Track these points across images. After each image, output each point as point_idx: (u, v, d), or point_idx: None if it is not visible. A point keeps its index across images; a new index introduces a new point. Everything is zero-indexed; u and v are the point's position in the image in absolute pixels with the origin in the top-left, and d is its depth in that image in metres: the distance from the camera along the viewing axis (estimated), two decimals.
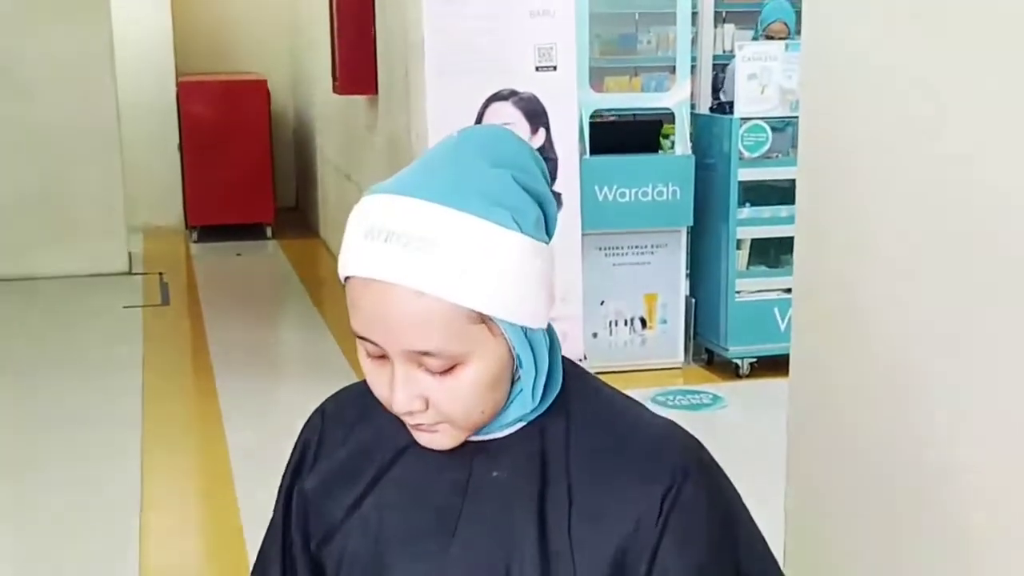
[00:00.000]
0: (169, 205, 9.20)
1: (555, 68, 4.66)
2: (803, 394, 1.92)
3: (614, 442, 1.07)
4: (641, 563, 1.02)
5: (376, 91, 6.00)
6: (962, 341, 1.48)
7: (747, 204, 5.21)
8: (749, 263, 5.35)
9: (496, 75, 4.58)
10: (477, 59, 4.54)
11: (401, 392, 1.00)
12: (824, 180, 1.82)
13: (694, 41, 5.40)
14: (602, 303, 5.29)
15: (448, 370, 0.99)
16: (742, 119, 5.07)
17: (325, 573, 1.15)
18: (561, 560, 1.03)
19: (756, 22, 5.98)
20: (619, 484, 1.04)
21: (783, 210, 5.04)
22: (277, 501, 1.20)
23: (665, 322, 5.39)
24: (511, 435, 1.08)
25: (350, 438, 1.16)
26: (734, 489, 1.11)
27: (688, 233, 5.35)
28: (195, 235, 8.91)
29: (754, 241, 5.31)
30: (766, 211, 5.20)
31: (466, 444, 1.06)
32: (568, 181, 4.74)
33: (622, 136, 5.36)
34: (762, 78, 5.05)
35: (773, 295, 5.22)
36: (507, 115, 4.58)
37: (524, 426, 1.08)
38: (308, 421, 1.21)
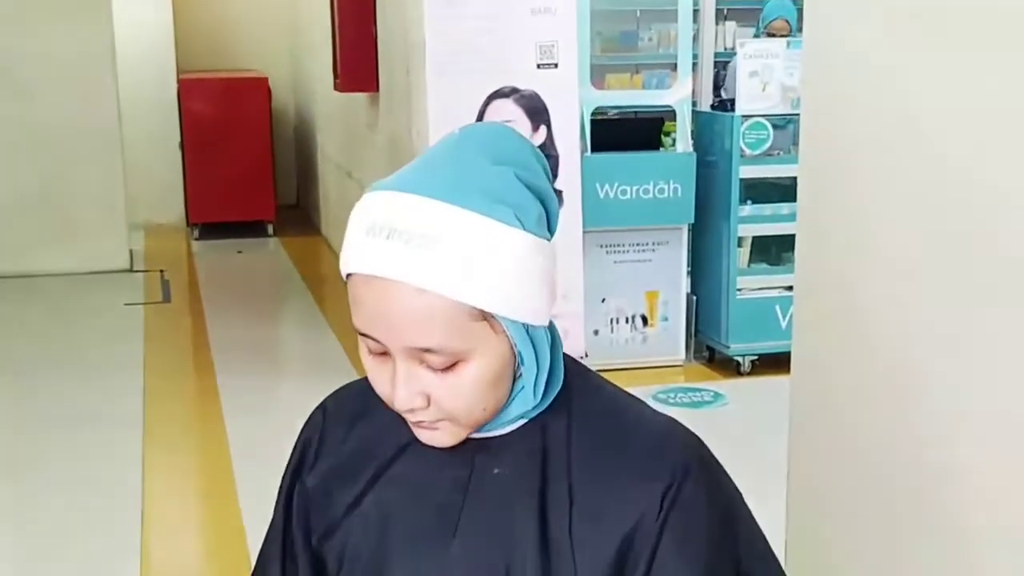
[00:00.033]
0: (170, 202, 9.20)
1: (556, 65, 4.66)
2: (804, 392, 1.92)
3: (615, 439, 1.07)
4: (641, 560, 1.02)
5: (377, 88, 6.00)
6: (963, 340, 1.48)
7: (748, 202, 5.21)
8: (750, 261, 5.35)
9: (497, 72, 4.59)
10: (478, 56, 4.54)
11: (403, 389, 1.00)
12: (825, 178, 1.82)
13: (695, 38, 5.40)
14: (603, 300, 5.29)
15: (450, 367, 0.99)
16: (743, 116, 5.06)
17: (326, 570, 1.15)
18: (562, 557, 1.03)
19: (758, 19, 5.97)
20: (620, 481, 1.04)
21: (784, 208, 5.04)
22: (278, 499, 1.20)
23: (666, 319, 5.39)
24: (512, 432, 1.08)
25: (351, 435, 1.16)
26: (735, 487, 1.11)
27: (689, 230, 5.35)
28: (196, 232, 8.91)
29: (755, 239, 5.31)
30: (767, 209, 5.20)
31: (467, 441, 1.06)
32: (569, 178, 4.74)
33: (623, 133, 5.36)
34: (763, 75, 5.04)
35: (774, 293, 5.22)
36: (508, 112, 4.58)
37: (526, 423, 1.08)
38: (309, 419, 1.21)
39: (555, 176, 4.73)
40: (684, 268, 5.38)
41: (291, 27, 9.86)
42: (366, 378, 1.06)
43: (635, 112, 5.78)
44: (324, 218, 8.91)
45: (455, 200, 0.96)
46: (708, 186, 5.26)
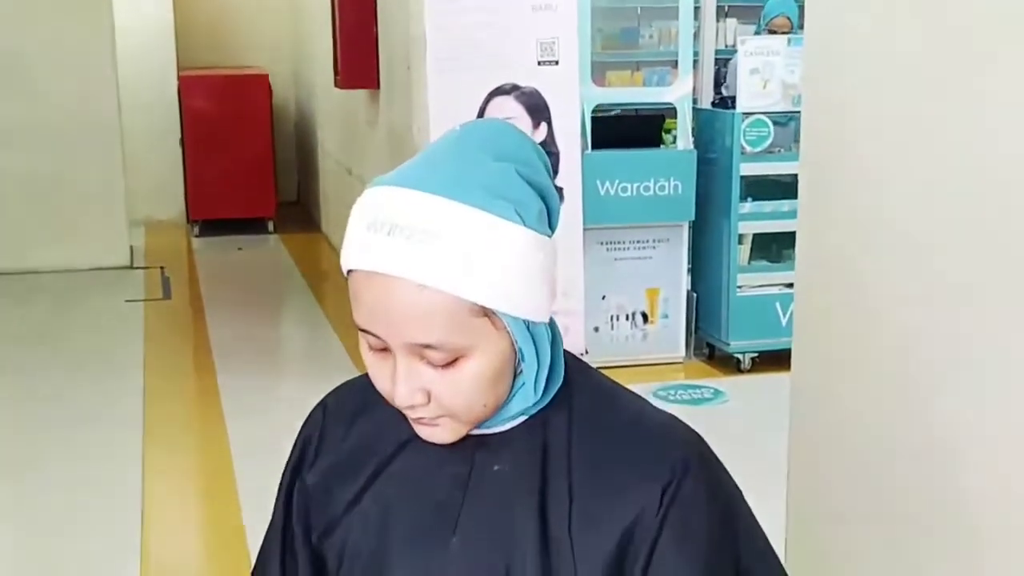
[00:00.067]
0: (170, 199, 9.20)
1: (557, 62, 4.66)
2: (805, 389, 1.92)
3: (615, 436, 1.07)
4: (640, 557, 1.02)
5: (377, 85, 6.00)
6: (965, 336, 1.48)
7: (749, 199, 5.21)
8: (751, 258, 5.35)
9: (498, 69, 4.58)
10: (479, 53, 4.54)
11: (403, 385, 1.00)
12: (826, 175, 1.82)
13: (696, 35, 5.39)
14: (603, 297, 5.29)
15: (450, 363, 0.99)
16: (744, 114, 5.06)
17: (326, 567, 1.15)
18: (562, 556, 1.03)
19: (759, 16, 5.97)
20: (620, 478, 1.04)
21: (785, 205, 5.04)
22: (278, 497, 1.20)
23: (666, 316, 5.39)
24: (513, 429, 1.08)
25: (351, 432, 1.16)
26: (734, 484, 1.11)
27: (690, 228, 5.35)
28: (196, 229, 8.91)
29: (756, 236, 5.31)
30: (768, 206, 5.20)
31: (467, 438, 1.06)
32: (570, 175, 4.74)
33: (624, 131, 5.35)
34: (764, 73, 5.04)
35: (775, 290, 5.22)
36: (509, 109, 4.57)
37: (526, 420, 1.08)
38: (309, 416, 1.21)
39: (556, 173, 4.73)
40: (684, 265, 5.38)
41: (292, 23, 9.86)
42: (366, 375, 1.06)
43: (636, 109, 5.78)
44: (324, 215, 8.91)
45: (456, 196, 0.96)
46: (709, 183, 5.26)
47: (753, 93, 5.05)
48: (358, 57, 5.99)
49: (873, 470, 1.69)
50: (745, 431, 4.36)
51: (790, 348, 1.96)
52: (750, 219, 5.22)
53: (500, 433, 1.08)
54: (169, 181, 9.14)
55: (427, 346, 0.97)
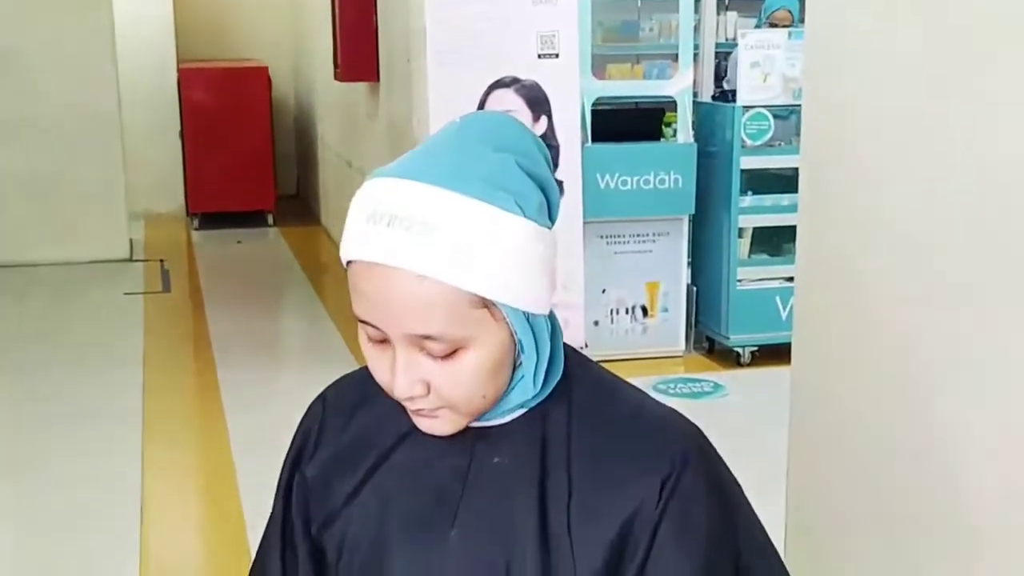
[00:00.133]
0: (170, 192, 9.20)
1: (557, 55, 4.65)
2: (805, 383, 1.92)
3: (615, 429, 1.07)
4: (639, 549, 1.02)
5: (377, 78, 5.99)
6: (964, 334, 1.47)
7: (749, 192, 5.20)
8: (751, 251, 5.35)
9: (498, 62, 4.57)
10: (479, 46, 4.53)
11: (402, 377, 1.00)
12: (827, 168, 1.82)
13: (697, 28, 5.39)
14: (603, 291, 5.29)
15: (450, 354, 0.99)
16: (744, 107, 5.06)
17: (326, 560, 1.15)
18: (561, 548, 1.03)
19: (759, 10, 5.96)
20: (619, 471, 1.04)
21: (785, 198, 5.04)
22: (277, 490, 1.20)
23: (666, 310, 5.39)
24: (512, 421, 1.08)
25: (351, 425, 1.16)
26: (733, 477, 1.11)
27: (690, 221, 5.35)
28: (196, 222, 8.91)
29: (756, 229, 5.31)
30: (768, 199, 5.20)
31: (467, 430, 1.06)
32: (570, 169, 4.73)
33: (624, 124, 5.35)
34: (765, 66, 5.03)
35: (775, 283, 5.22)
36: (509, 102, 4.57)
37: (525, 412, 1.08)
38: (309, 409, 1.21)
39: (556, 166, 4.71)
40: (684, 259, 5.38)
41: (291, 16, 9.85)
42: (366, 368, 1.06)
43: (636, 102, 5.77)
44: (324, 208, 8.90)
45: (456, 187, 0.96)
46: (709, 177, 5.25)
47: (754, 86, 5.04)
48: (358, 50, 5.98)
49: (873, 468, 1.69)
50: (745, 425, 4.37)
51: (790, 342, 1.96)
52: (750, 213, 5.22)
53: (499, 425, 1.08)
54: (169, 174, 9.14)
55: (427, 337, 0.97)
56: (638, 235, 5.32)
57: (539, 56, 4.63)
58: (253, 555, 1.23)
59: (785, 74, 5.01)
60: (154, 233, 8.64)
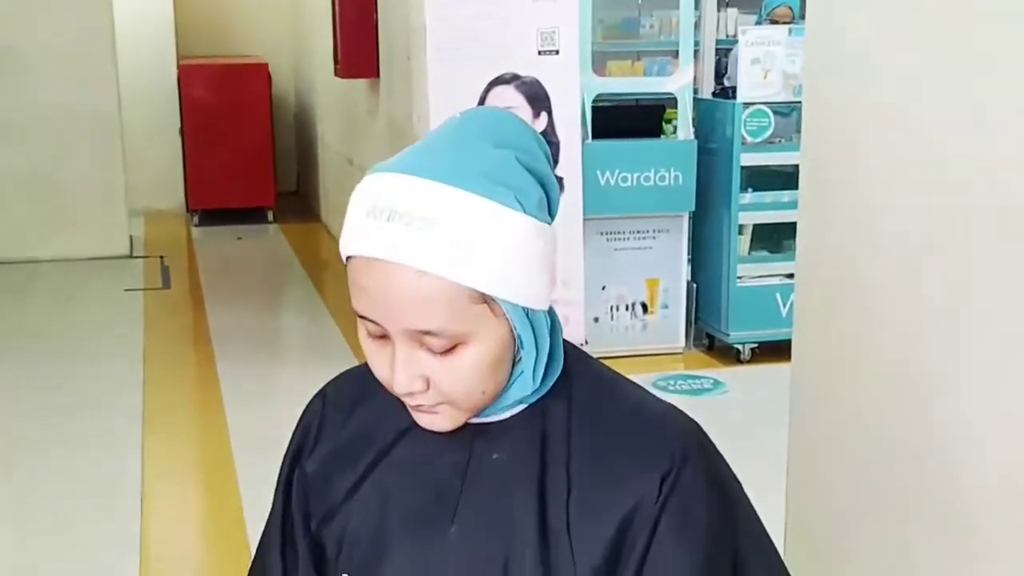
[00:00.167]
0: (170, 189, 9.20)
1: (557, 52, 4.65)
2: (805, 380, 1.92)
3: (615, 425, 1.07)
4: (638, 545, 1.02)
5: (378, 75, 5.99)
6: (964, 328, 1.47)
7: (749, 189, 5.20)
8: (751, 248, 5.35)
9: (498, 59, 4.57)
10: (479, 42, 4.53)
11: (402, 372, 1.00)
12: (827, 165, 1.82)
13: (697, 25, 5.38)
14: (603, 288, 5.29)
15: (449, 350, 0.99)
16: (745, 104, 5.05)
17: (325, 554, 1.15)
18: (560, 543, 1.03)
19: (759, 6, 5.96)
20: (619, 467, 1.04)
21: (785, 195, 5.04)
22: (277, 485, 1.20)
23: (666, 307, 5.39)
24: (512, 417, 1.08)
25: (350, 421, 1.16)
26: (733, 474, 1.11)
27: (690, 218, 5.35)
28: (196, 219, 8.91)
29: (756, 226, 5.31)
30: (768, 196, 5.20)
31: (466, 426, 1.06)
32: (570, 165, 4.73)
33: (624, 121, 5.34)
34: (765, 63, 5.03)
35: (775, 280, 5.22)
36: (509, 99, 4.57)
37: (525, 409, 1.08)
38: (309, 405, 1.21)
39: (556, 163, 4.72)
40: (684, 256, 5.38)
41: (291, 12, 9.84)
42: (366, 364, 1.06)
43: (636, 99, 5.77)
44: (324, 204, 8.90)
45: (456, 182, 0.96)
46: (709, 173, 5.25)
47: (754, 83, 5.04)
48: (358, 46, 5.98)
49: (873, 465, 1.69)
50: (744, 422, 4.37)
51: (790, 339, 1.96)
52: (750, 209, 5.21)
53: (499, 422, 1.08)
54: (169, 171, 9.13)
55: (426, 332, 0.97)
56: (638, 232, 5.32)
57: (539, 53, 4.63)
58: (252, 546, 1.23)
59: (785, 71, 5.01)
60: (154, 230, 8.64)
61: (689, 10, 5.24)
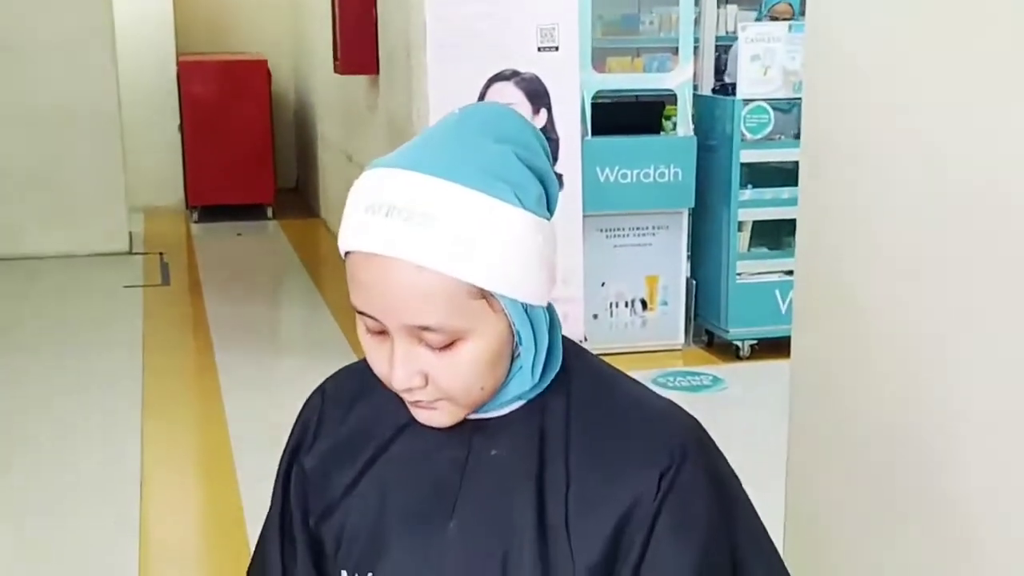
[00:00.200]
0: (170, 185, 9.19)
1: (557, 48, 4.65)
2: (804, 377, 1.92)
3: (614, 421, 1.07)
4: (637, 541, 1.02)
5: (377, 71, 5.98)
6: (963, 325, 1.47)
7: (749, 186, 5.20)
8: (750, 245, 5.34)
9: (498, 55, 4.57)
10: (479, 39, 4.53)
11: (400, 368, 0.99)
12: (827, 162, 1.82)
13: (697, 22, 5.37)
14: (603, 285, 5.29)
15: (448, 346, 0.98)
16: (744, 100, 5.05)
17: (324, 550, 1.15)
18: (558, 539, 1.03)
19: (760, 3, 5.95)
20: (618, 463, 1.04)
21: (785, 192, 5.04)
22: (276, 481, 1.20)
23: (666, 304, 5.39)
24: (511, 414, 1.08)
25: (349, 417, 1.16)
26: (732, 470, 1.11)
27: (689, 215, 5.34)
28: (196, 215, 8.90)
29: (755, 223, 5.30)
30: (768, 193, 5.19)
31: (465, 422, 1.06)
32: (570, 162, 4.73)
33: (624, 117, 5.34)
34: (765, 59, 5.03)
35: (774, 277, 5.21)
36: (509, 95, 4.57)
37: (524, 405, 1.08)
38: (308, 401, 1.21)
39: (555, 160, 4.72)
40: (684, 252, 5.38)
41: (291, 9, 9.83)
42: (365, 360, 1.06)
43: (636, 96, 5.77)
44: (323, 201, 8.89)
45: (455, 178, 0.96)
46: (709, 170, 5.25)
47: (754, 80, 5.03)
48: (358, 43, 5.97)
49: (872, 461, 1.69)
50: (744, 418, 4.37)
51: (789, 335, 1.96)
52: (750, 206, 5.21)
53: (498, 417, 1.08)
54: (168, 167, 9.13)
55: (425, 328, 0.97)
56: (638, 228, 5.31)
57: (539, 49, 4.63)
58: (249, 533, 1.24)
59: (785, 67, 5.01)
60: (154, 226, 8.64)
61: (689, 6, 5.23)
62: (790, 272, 4.22)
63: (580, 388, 1.08)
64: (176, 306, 6.58)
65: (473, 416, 1.06)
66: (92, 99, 7.45)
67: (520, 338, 1.02)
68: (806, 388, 1.91)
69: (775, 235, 5.32)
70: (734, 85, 5.17)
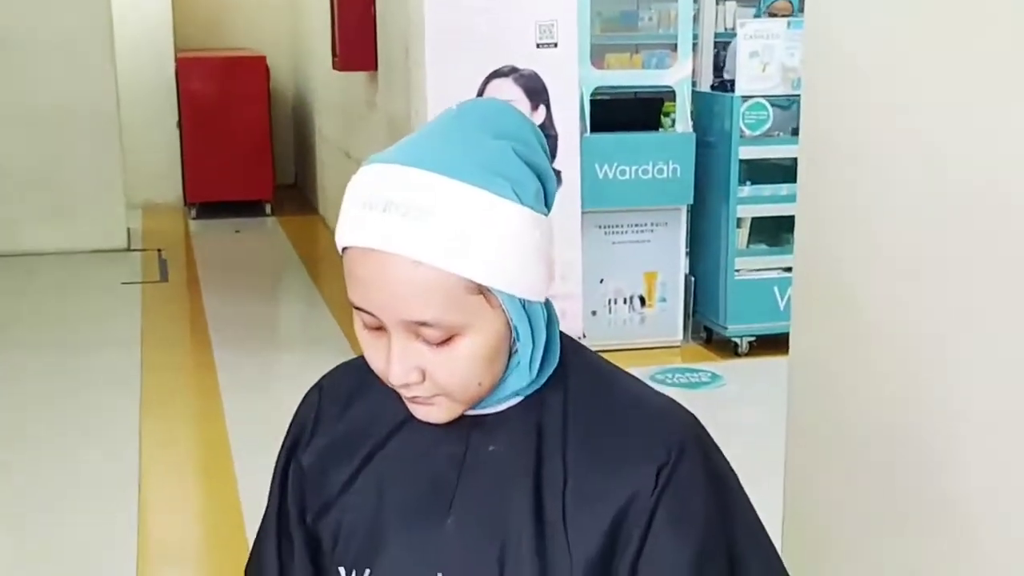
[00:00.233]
0: (168, 182, 9.18)
1: (556, 45, 4.64)
2: (802, 373, 1.92)
3: (611, 417, 1.07)
4: (634, 538, 1.02)
5: (376, 68, 5.98)
6: (963, 321, 1.47)
7: (748, 182, 5.20)
8: (749, 242, 5.34)
9: (496, 52, 4.57)
10: (477, 35, 4.52)
11: (398, 364, 0.99)
12: (825, 159, 1.81)
13: (696, 18, 5.37)
14: (601, 281, 5.29)
15: (445, 341, 0.98)
16: (743, 97, 5.05)
17: (322, 548, 1.15)
18: (556, 534, 1.03)
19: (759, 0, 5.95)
20: (615, 459, 1.04)
21: (784, 188, 5.03)
22: (273, 478, 1.19)
23: (664, 300, 5.39)
24: (508, 409, 1.07)
25: (347, 413, 1.16)
26: (730, 467, 1.11)
27: (688, 211, 5.34)
28: (194, 212, 8.90)
29: (754, 219, 5.30)
30: (766, 189, 5.19)
31: (463, 418, 1.06)
32: (568, 159, 4.73)
33: (623, 114, 5.34)
34: (764, 56, 5.02)
35: (773, 274, 5.21)
36: (507, 92, 4.56)
37: (521, 400, 1.07)
38: (305, 398, 1.20)
39: (554, 156, 4.72)
40: (683, 249, 5.38)
41: (290, 5, 9.82)
42: (362, 357, 1.06)
43: (635, 92, 5.76)
44: (322, 198, 8.89)
45: (452, 173, 0.96)
46: (707, 167, 5.24)
47: (752, 76, 5.03)
48: (356, 39, 5.97)
49: (871, 459, 1.69)
50: (742, 415, 4.37)
51: (788, 332, 1.96)
52: (749, 203, 5.21)
53: (495, 414, 1.07)
54: (167, 164, 9.12)
55: (422, 324, 0.97)
56: (636, 225, 5.31)
57: (538, 46, 4.62)
58: (248, 529, 1.24)
59: (784, 64, 5.00)
60: (152, 223, 8.63)
61: (688, 3, 5.23)
62: (789, 269, 4.21)
63: (578, 384, 1.08)
64: (174, 303, 6.58)
65: (471, 412, 1.06)
66: (90, 96, 7.45)
67: (518, 334, 1.02)
68: (804, 385, 1.91)
69: (774, 232, 5.32)
70: (733, 82, 5.17)
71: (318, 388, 1.20)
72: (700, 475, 1.05)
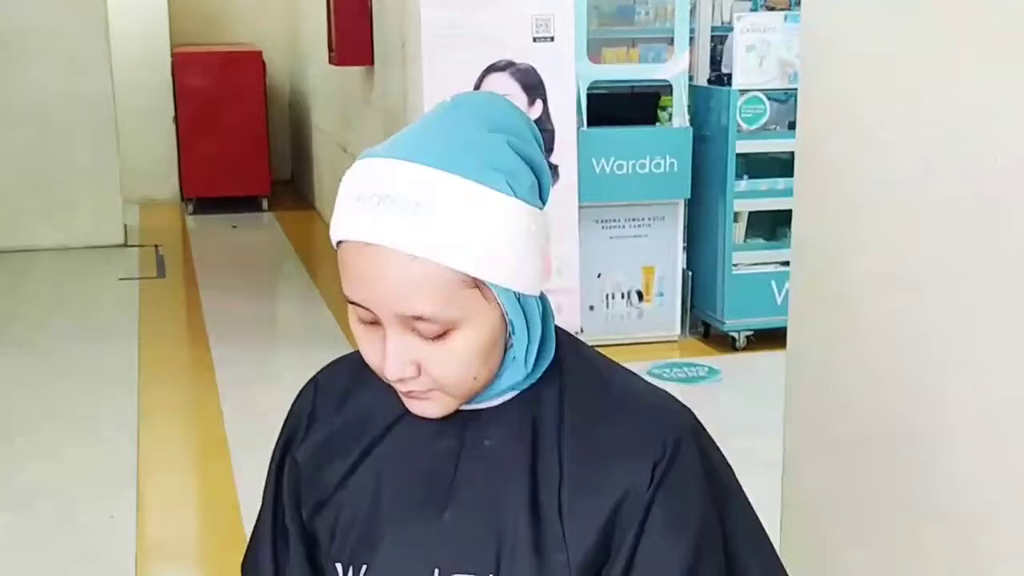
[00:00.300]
0: (165, 177, 9.17)
1: (552, 39, 4.64)
2: (800, 368, 1.92)
3: (607, 412, 1.07)
4: (629, 532, 1.02)
5: (372, 62, 5.97)
6: (960, 314, 1.47)
7: (745, 176, 5.19)
8: (746, 236, 5.34)
9: (493, 46, 4.56)
10: (474, 30, 4.51)
11: (393, 358, 0.99)
12: (822, 154, 1.81)
13: (692, 12, 5.36)
14: (599, 276, 5.28)
15: (441, 336, 0.98)
16: (740, 91, 5.04)
17: (318, 543, 1.15)
18: (551, 531, 1.03)
19: None
20: (611, 454, 1.04)
21: (781, 183, 5.03)
22: (269, 473, 1.19)
23: (662, 295, 5.39)
24: (504, 404, 1.07)
25: (343, 409, 1.15)
26: (726, 461, 1.11)
27: (685, 205, 5.34)
28: (191, 207, 8.89)
29: (751, 214, 5.30)
30: (764, 184, 5.19)
31: (458, 413, 1.06)
32: (565, 153, 4.72)
33: (619, 108, 5.33)
34: (761, 50, 5.02)
35: (770, 268, 5.21)
36: (504, 86, 4.56)
37: (517, 395, 1.07)
38: (301, 392, 1.20)
39: (551, 151, 4.71)
40: (680, 243, 5.37)
41: (286, 0, 9.79)
42: (358, 352, 1.06)
43: (631, 86, 5.75)
44: (318, 193, 8.88)
45: (447, 166, 0.95)
46: (704, 161, 5.24)
47: (749, 70, 5.03)
48: (353, 34, 5.96)
49: (868, 453, 1.69)
50: (739, 409, 4.37)
51: (785, 326, 1.96)
52: (746, 197, 5.20)
53: (491, 408, 1.07)
54: (163, 159, 9.10)
55: (417, 318, 0.97)
56: (633, 219, 5.31)
57: (534, 40, 4.62)
58: (244, 522, 1.24)
59: (781, 58, 5.00)
60: (149, 218, 8.62)
61: None
62: (786, 263, 4.22)
63: (574, 378, 1.08)
64: (171, 298, 6.58)
65: (466, 407, 1.06)
66: (87, 91, 7.43)
67: (513, 328, 1.01)
68: (802, 379, 1.91)
69: (771, 226, 5.32)
70: (730, 75, 5.16)
71: (313, 383, 1.20)
72: (696, 470, 1.04)
